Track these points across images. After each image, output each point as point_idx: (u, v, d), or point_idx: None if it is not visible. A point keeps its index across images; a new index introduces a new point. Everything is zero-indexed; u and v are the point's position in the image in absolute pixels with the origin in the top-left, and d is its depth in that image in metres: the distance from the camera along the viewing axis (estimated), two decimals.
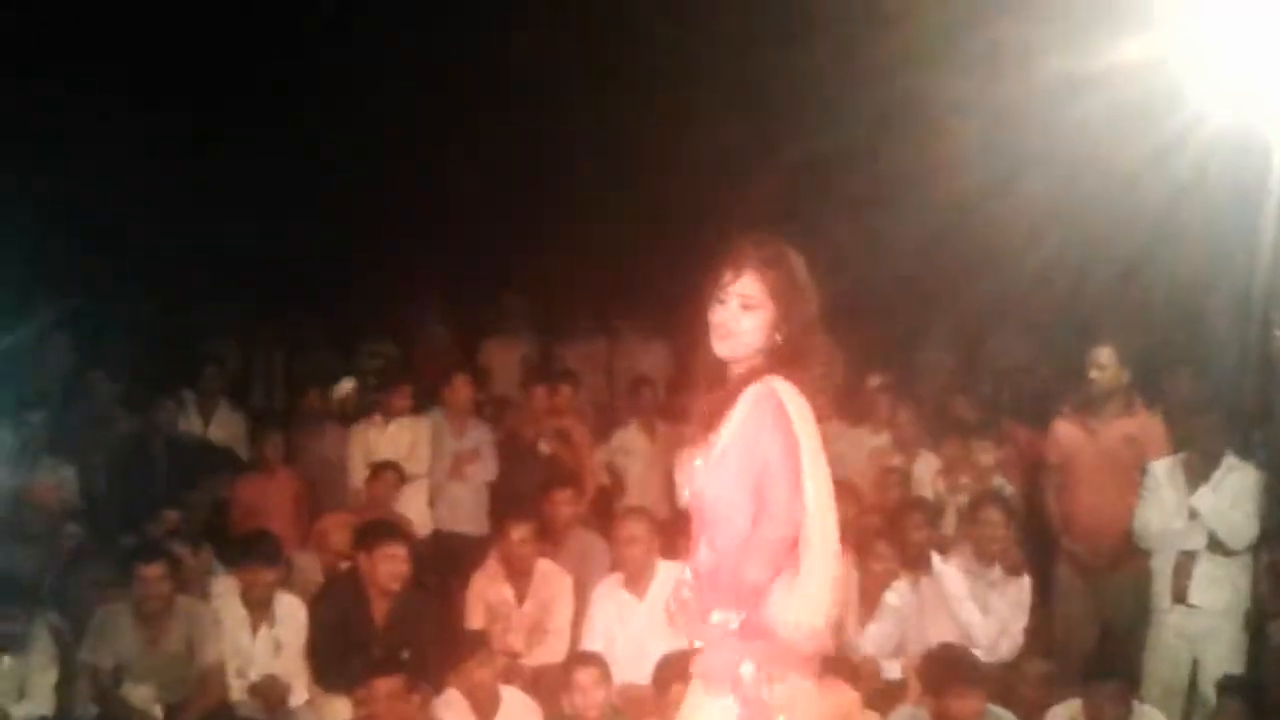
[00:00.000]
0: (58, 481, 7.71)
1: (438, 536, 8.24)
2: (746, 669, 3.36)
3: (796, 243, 3.53)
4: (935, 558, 6.80)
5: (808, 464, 3.35)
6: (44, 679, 6.31)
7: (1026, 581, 6.84)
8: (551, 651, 6.82)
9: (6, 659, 6.25)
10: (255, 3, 9.18)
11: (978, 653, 6.33)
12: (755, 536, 3.35)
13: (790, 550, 3.36)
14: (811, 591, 3.35)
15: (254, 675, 6.52)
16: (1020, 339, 9.54)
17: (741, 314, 3.42)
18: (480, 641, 6.34)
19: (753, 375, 3.42)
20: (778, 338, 3.42)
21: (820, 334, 3.48)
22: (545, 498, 7.46)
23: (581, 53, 10.08)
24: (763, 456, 3.35)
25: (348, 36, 9.78)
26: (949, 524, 7.54)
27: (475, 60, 10.17)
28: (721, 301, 3.45)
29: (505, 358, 10.00)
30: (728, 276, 3.44)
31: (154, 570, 6.43)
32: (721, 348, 3.46)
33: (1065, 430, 7.29)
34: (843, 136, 8.91)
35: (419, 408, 8.56)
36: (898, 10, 7.97)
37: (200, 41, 9.70)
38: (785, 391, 3.37)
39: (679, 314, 3.52)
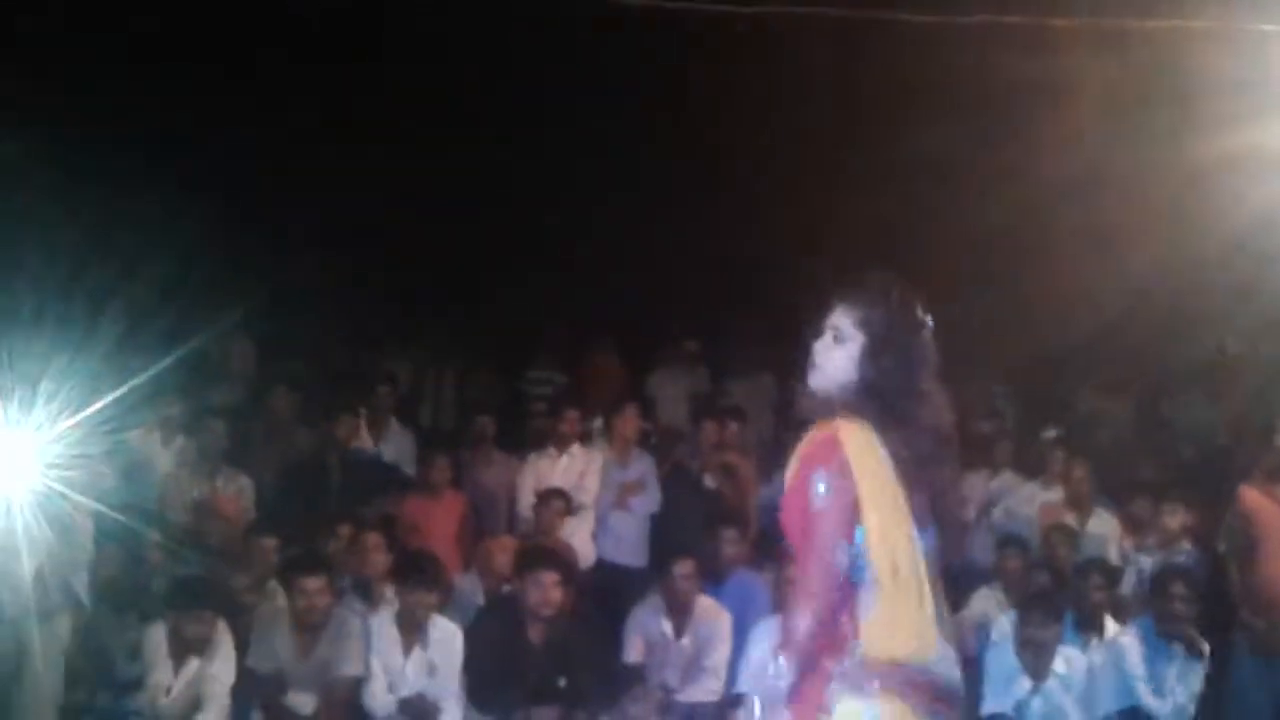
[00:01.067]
0: (236, 490, 7.88)
1: (600, 567, 8.22)
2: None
3: (972, 300, 3.41)
4: (1110, 623, 6.58)
5: (868, 505, 3.15)
6: (223, 683, 6.41)
7: (1206, 658, 6.57)
8: (707, 690, 6.78)
9: (195, 661, 6.39)
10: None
11: None
12: (798, 581, 3.22)
13: (833, 599, 3.16)
14: (890, 620, 3.17)
15: (405, 692, 6.54)
16: (1201, 403, 9.24)
17: (832, 346, 3.30)
18: (636, 675, 6.32)
19: (832, 413, 3.25)
20: (868, 373, 3.26)
21: (927, 377, 3.28)
22: (710, 535, 7.42)
23: (760, 111, 10.09)
24: (805, 497, 3.18)
25: (538, 89, 9.96)
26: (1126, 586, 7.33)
27: (661, 112, 10.23)
28: (819, 334, 3.34)
29: (673, 389, 10.02)
30: (827, 308, 3.35)
31: (315, 582, 6.51)
32: (811, 378, 3.33)
33: (1251, 498, 7.01)
34: (1027, 203, 8.77)
35: (585, 436, 8.59)
36: (1085, 80, 7.80)
37: (404, 100, 9.99)
38: (847, 432, 3.19)
39: None
